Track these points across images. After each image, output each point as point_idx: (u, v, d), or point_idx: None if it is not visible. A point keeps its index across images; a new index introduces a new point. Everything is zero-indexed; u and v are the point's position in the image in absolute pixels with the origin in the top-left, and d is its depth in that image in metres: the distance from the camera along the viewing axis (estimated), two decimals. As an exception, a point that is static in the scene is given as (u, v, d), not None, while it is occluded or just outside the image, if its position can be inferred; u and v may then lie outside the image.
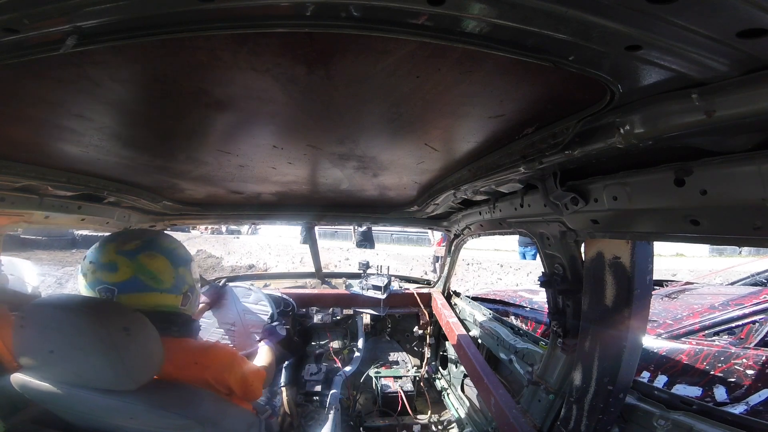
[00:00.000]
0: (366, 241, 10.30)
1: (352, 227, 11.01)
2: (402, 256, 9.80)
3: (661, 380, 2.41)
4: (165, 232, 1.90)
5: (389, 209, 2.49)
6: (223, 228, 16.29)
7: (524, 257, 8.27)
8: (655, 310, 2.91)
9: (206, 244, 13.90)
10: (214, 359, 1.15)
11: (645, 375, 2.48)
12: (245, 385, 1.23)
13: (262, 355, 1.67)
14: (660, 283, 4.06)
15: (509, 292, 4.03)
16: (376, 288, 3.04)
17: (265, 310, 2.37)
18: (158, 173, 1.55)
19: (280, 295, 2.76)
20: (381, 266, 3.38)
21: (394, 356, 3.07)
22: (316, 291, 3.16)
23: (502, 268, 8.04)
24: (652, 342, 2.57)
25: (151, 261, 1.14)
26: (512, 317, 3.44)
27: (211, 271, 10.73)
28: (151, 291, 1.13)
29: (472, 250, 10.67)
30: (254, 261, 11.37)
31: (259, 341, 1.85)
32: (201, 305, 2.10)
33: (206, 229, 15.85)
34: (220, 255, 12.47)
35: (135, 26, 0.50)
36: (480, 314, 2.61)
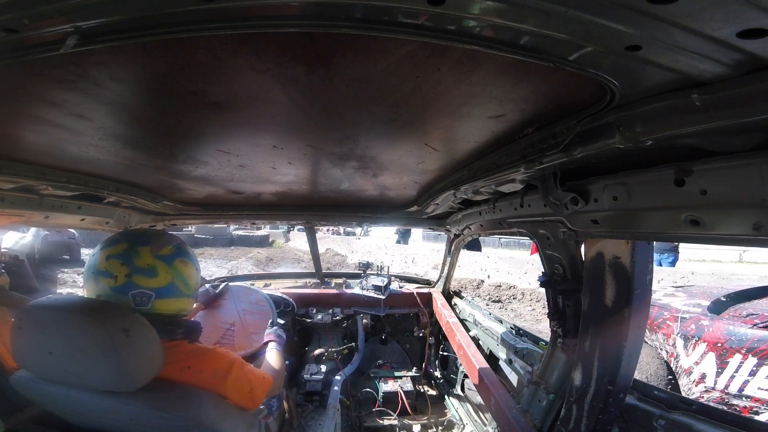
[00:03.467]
0: (473, 244, 10.28)
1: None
2: (515, 259, 9.64)
3: (750, 362, 2.76)
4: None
5: (389, 209, 2.49)
6: (341, 229, 18.20)
7: (660, 264, 7.65)
8: (762, 306, 3.22)
9: (333, 244, 15.59)
10: (207, 365, 1.12)
11: (737, 357, 2.82)
12: (246, 391, 1.19)
13: (272, 360, 1.59)
14: None
15: None
16: (376, 288, 3.04)
17: (265, 310, 2.37)
18: (158, 173, 1.55)
19: (280, 295, 2.76)
20: (381, 267, 3.38)
21: (394, 356, 3.07)
22: (316, 291, 3.16)
23: None
24: (746, 330, 2.89)
25: (185, 267, 1.15)
26: None
27: (338, 267, 11.76)
28: (182, 296, 1.14)
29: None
30: (373, 260, 11.77)
31: (266, 343, 1.80)
32: (195, 305, 2.08)
33: (327, 230, 18.02)
34: (345, 254, 13.90)
35: (135, 26, 0.50)
36: (480, 314, 2.61)
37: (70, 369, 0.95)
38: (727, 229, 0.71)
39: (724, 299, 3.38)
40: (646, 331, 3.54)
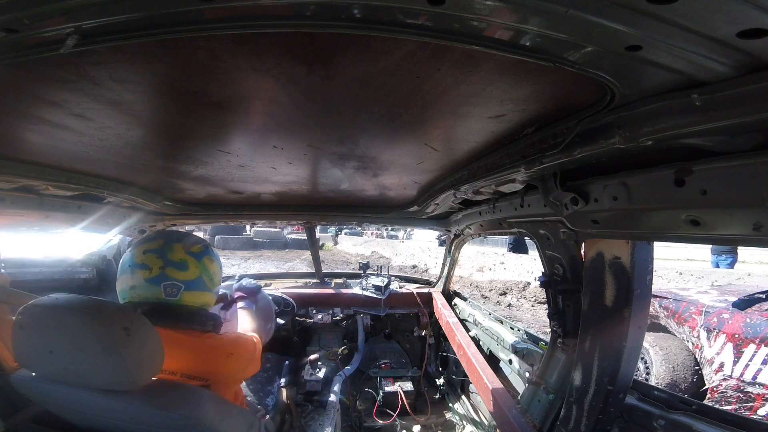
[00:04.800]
0: (519, 246, 10.31)
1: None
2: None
3: (763, 351, 2.93)
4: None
5: (389, 209, 2.49)
6: (384, 233, 19.14)
7: (717, 266, 7.54)
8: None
9: (378, 247, 16.05)
10: (244, 349, 1.23)
11: (752, 347, 2.99)
12: (256, 363, 1.30)
13: (243, 320, 1.54)
14: None
15: (662, 289, 4.56)
16: (376, 288, 3.04)
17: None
18: (158, 173, 1.55)
19: (280, 295, 2.76)
20: (381, 266, 3.38)
21: (394, 356, 3.07)
22: (316, 291, 3.15)
23: (681, 275, 7.43)
24: (762, 322, 3.05)
25: (211, 264, 1.24)
26: (656, 305, 4.06)
27: (383, 270, 12.01)
28: (207, 291, 1.22)
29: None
30: (416, 262, 12.49)
31: (233, 302, 1.72)
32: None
33: (372, 233, 19.22)
34: (389, 256, 14.20)
35: (135, 26, 0.50)
36: (480, 314, 2.61)
37: (70, 368, 0.95)
38: (727, 229, 0.71)
39: (764, 296, 3.49)
40: (674, 323, 3.78)
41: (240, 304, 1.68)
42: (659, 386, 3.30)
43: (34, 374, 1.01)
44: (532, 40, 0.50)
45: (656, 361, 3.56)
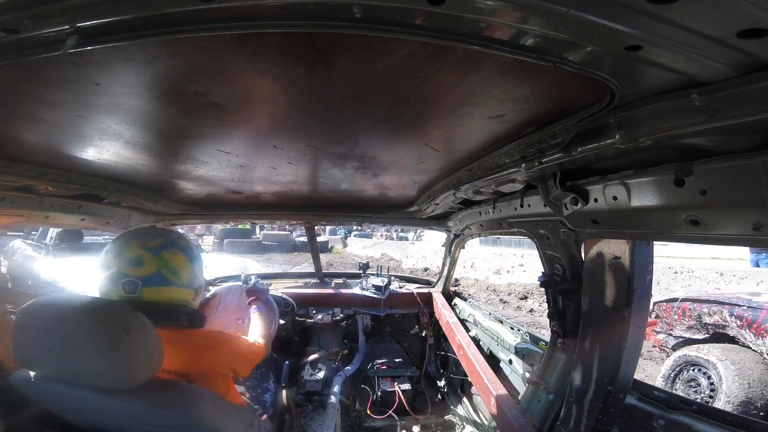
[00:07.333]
0: None
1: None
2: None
3: None
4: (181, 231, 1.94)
5: (389, 209, 2.49)
6: (394, 234, 19.39)
7: (757, 265, 7.08)
8: None
9: (388, 249, 16.02)
10: (225, 344, 1.25)
11: None
12: (247, 361, 1.34)
13: (256, 325, 1.63)
14: None
15: (726, 294, 4.17)
16: (376, 288, 3.04)
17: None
18: (158, 173, 1.55)
19: (280, 295, 2.76)
20: (381, 266, 3.38)
21: (393, 356, 3.07)
22: (316, 291, 3.15)
23: (722, 276, 6.96)
24: None
25: (173, 257, 1.20)
26: (726, 314, 3.58)
27: (393, 272, 12.00)
28: (170, 285, 1.19)
29: (680, 258, 9.24)
30: (428, 264, 12.47)
31: (249, 304, 1.84)
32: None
33: (381, 235, 19.45)
34: (400, 258, 14.14)
35: (135, 26, 0.50)
36: (480, 314, 2.61)
37: (70, 367, 0.95)
38: (727, 229, 0.71)
39: None
40: (750, 335, 3.39)
41: (253, 308, 1.78)
42: (731, 404, 3.02)
43: (34, 374, 1.01)
44: (532, 40, 0.50)
45: (727, 377, 3.17)
